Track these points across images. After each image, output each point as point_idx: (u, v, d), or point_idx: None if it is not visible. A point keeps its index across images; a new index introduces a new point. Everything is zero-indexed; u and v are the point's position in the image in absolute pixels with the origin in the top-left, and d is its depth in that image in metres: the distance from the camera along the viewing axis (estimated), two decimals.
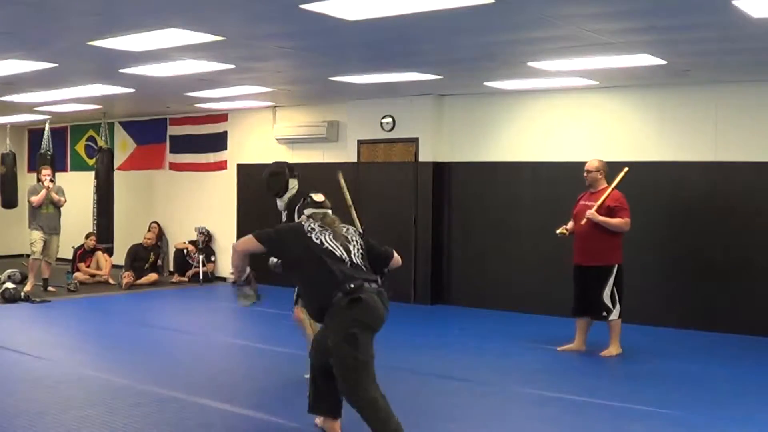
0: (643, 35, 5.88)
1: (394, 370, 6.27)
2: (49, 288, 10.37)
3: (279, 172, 5.95)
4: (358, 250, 4.36)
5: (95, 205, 11.86)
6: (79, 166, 14.01)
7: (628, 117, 8.57)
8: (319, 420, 4.61)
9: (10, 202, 12.76)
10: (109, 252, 11.76)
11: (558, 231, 6.96)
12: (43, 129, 12.14)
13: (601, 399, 5.41)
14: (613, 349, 6.78)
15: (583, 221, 6.73)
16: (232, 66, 7.45)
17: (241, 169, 11.69)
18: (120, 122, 13.33)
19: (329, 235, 4.33)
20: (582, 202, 6.91)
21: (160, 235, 12.40)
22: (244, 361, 6.75)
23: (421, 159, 9.80)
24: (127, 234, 12.14)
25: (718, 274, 7.98)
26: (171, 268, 12.32)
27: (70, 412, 4.93)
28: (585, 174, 6.93)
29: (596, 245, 6.70)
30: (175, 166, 12.69)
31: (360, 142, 10.33)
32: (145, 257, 11.58)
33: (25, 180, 13.37)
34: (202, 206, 12.23)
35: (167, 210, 12.74)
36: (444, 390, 5.70)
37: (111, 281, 11.35)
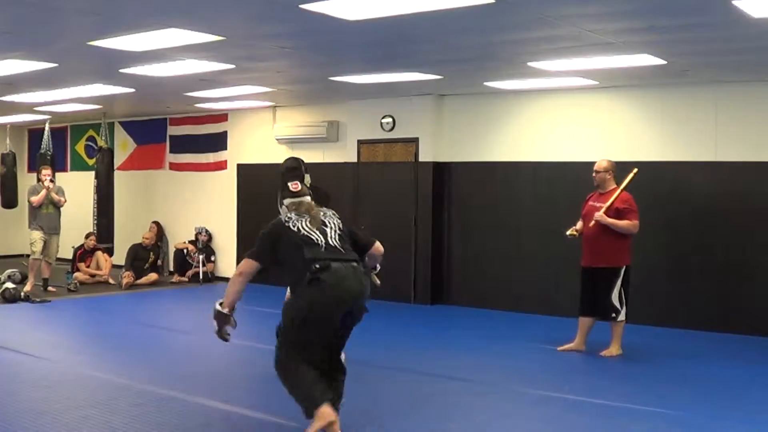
0: (643, 35, 5.88)
1: (394, 370, 6.28)
2: (49, 288, 10.37)
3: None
4: (335, 232, 4.45)
5: (95, 205, 11.86)
6: (79, 166, 14.02)
7: (628, 117, 8.57)
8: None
9: (10, 202, 12.75)
10: (109, 252, 11.76)
11: (568, 233, 6.90)
12: (43, 129, 12.13)
13: (601, 399, 5.41)
14: (614, 350, 6.78)
15: (591, 224, 6.72)
16: (232, 66, 7.46)
17: (241, 169, 11.69)
18: (120, 122, 13.33)
19: (306, 221, 4.43)
20: (591, 203, 6.88)
21: (160, 235, 12.40)
22: (244, 360, 6.75)
23: (421, 159, 9.80)
24: (127, 234, 12.14)
25: (717, 274, 7.99)
26: (171, 268, 12.32)
27: (70, 412, 4.92)
28: (594, 174, 6.90)
29: (604, 247, 6.68)
30: (175, 166, 12.69)
31: (360, 142, 10.33)
32: (145, 257, 11.58)
33: (25, 180, 13.36)
34: (202, 206, 12.24)
35: (167, 210, 12.74)
36: (444, 390, 5.70)
37: (111, 281, 11.35)
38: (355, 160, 10.37)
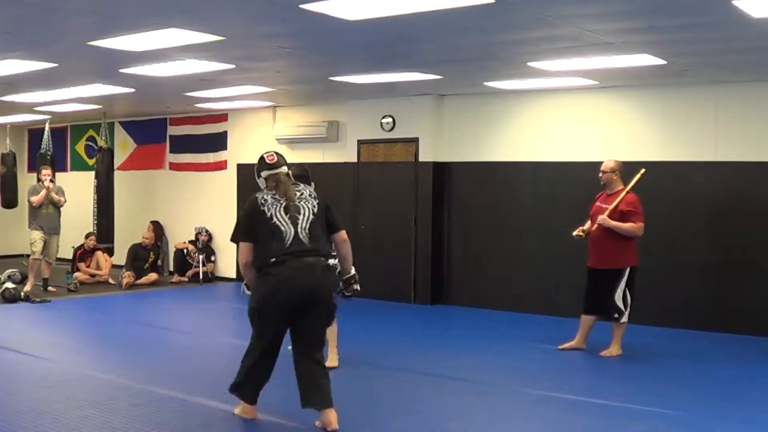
0: (643, 35, 5.88)
1: (394, 370, 6.28)
2: (49, 288, 10.37)
3: (305, 175, 6.34)
4: (307, 220, 4.52)
5: (95, 205, 11.86)
6: (79, 166, 14.02)
7: (628, 117, 8.57)
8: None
9: (10, 202, 12.75)
10: (109, 252, 11.76)
11: (574, 233, 6.88)
12: (43, 129, 12.13)
13: (601, 399, 5.41)
14: (614, 350, 6.78)
15: (594, 227, 6.73)
16: (232, 66, 7.45)
17: (241, 169, 11.69)
18: (120, 122, 13.33)
19: (280, 209, 4.51)
20: (598, 204, 6.86)
21: (160, 235, 12.40)
22: None
23: (421, 159, 9.80)
24: (127, 234, 12.14)
25: (717, 275, 7.99)
26: (171, 268, 12.32)
27: (70, 412, 4.92)
28: (600, 174, 6.88)
29: (608, 248, 6.68)
30: (175, 166, 12.69)
31: (360, 142, 10.33)
32: (145, 257, 11.58)
33: (25, 180, 13.36)
34: (202, 206, 12.24)
35: (167, 210, 12.74)
36: (444, 390, 5.70)
37: (111, 281, 11.35)
38: (355, 160, 10.37)
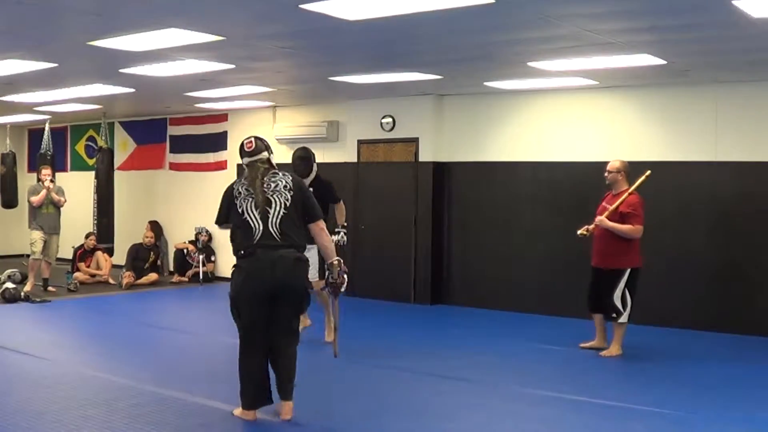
0: (643, 35, 5.88)
1: (394, 370, 6.28)
2: (49, 288, 10.37)
3: (307, 157, 6.81)
4: (278, 215, 4.59)
5: (95, 205, 11.85)
6: (79, 166, 14.02)
7: (628, 117, 8.57)
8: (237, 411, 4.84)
9: (10, 202, 12.75)
10: (109, 252, 11.75)
11: (579, 232, 6.90)
12: (43, 129, 12.13)
13: (601, 399, 5.41)
14: (614, 350, 6.77)
15: (592, 226, 6.74)
16: (232, 66, 7.46)
17: (241, 169, 11.67)
18: (120, 122, 13.33)
19: (251, 204, 4.59)
20: (603, 204, 6.86)
21: (159, 235, 12.39)
22: None
23: (421, 159, 9.80)
24: (127, 234, 12.14)
25: (717, 275, 7.99)
26: (171, 268, 12.32)
27: (70, 412, 4.92)
28: (606, 174, 6.88)
29: (609, 248, 6.69)
30: (175, 166, 12.69)
31: (360, 142, 10.33)
32: (145, 257, 11.58)
33: (25, 180, 13.36)
34: (202, 206, 12.22)
35: (167, 210, 12.74)
36: (444, 390, 5.70)
37: (111, 281, 11.35)
38: (355, 160, 10.37)
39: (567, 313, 8.59)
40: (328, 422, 4.80)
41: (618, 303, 6.66)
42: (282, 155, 10.88)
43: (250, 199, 4.62)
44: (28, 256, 10.66)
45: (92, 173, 12.08)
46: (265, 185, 4.65)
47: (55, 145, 12.29)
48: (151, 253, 11.69)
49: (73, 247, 11.98)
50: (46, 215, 10.31)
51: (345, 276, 4.86)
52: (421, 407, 5.25)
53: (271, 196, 4.63)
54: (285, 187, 4.68)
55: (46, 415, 4.84)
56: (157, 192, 12.99)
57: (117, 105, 11.37)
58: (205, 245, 11.80)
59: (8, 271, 10.67)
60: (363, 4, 5.03)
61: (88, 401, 5.21)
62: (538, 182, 9.11)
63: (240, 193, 4.68)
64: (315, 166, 6.90)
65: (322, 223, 4.82)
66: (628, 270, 6.66)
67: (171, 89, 9.35)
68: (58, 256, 10.80)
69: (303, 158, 6.92)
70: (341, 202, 7.37)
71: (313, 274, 7.01)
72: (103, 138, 12.12)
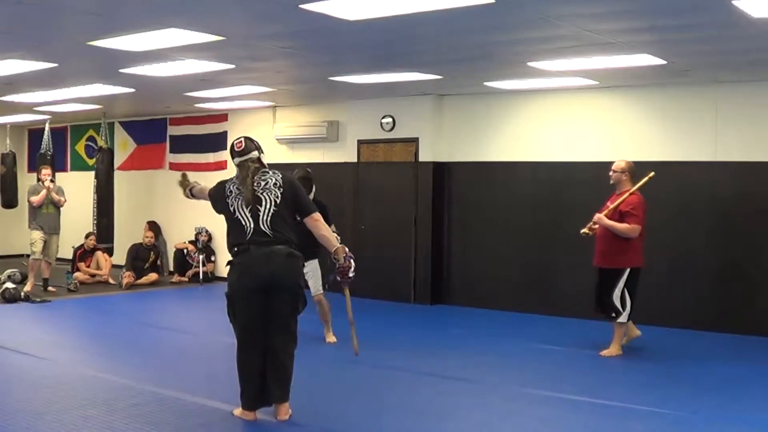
0: (643, 35, 5.88)
1: (394, 370, 6.28)
2: (49, 288, 10.37)
3: (308, 178, 6.94)
4: (268, 213, 4.64)
5: (95, 205, 11.85)
6: (79, 166, 14.02)
7: (628, 117, 8.57)
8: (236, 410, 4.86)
9: (10, 202, 12.74)
10: (109, 252, 11.75)
11: (582, 231, 6.90)
12: (43, 129, 12.13)
13: (601, 399, 5.41)
14: (614, 350, 6.77)
15: (590, 224, 6.75)
16: (232, 66, 7.46)
17: None
18: (120, 122, 13.33)
19: (242, 203, 4.65)
20: (607, 204, 6.87)
21: (157, 235, 12.39)
22: None
23: (421, 159, 9.80)
24: (127, 234, 12.14)
25: (717, 274, 7.99)
26: (171, 268, 12.32)
27: (70, 412, 4.92)
28: (610, 173, 6.88)
29: (608, 247, 6.69)
30: (175, 166, 12.67)
31: (360, 142, 10.33)
32: (146, 257, 11.58)
33: (25, 180, 13.36)
34: (202, 206, 12.17)
35: (167, 210, 12.73)
36: (444, 390, 5.70)
37: (111, 281, 11.35)
38: (355, 160, 10.37)
39: (567, 313, 8.60)
40: (328, 422, 4.80)
41: (617, 302, 6.65)
42: (282, 155, 10.92)
43: (241, 198, 4.66)
44: (28, 256, 10.66)
45: (92, 173, 12.07)
46: (255, 183, 4.69)
47: (55, 145, 12.29)
48: (151, 253, 11.69)
49: (73, 247, 11.98)
50: (46, 215, 10.31)
51: (352, 261, 4.84)
52: (421, 407, 5.25)
53: (261, 193, 4.67)
54: (275, 184, 4.72)
55: (46, 415, 4.84)
56: (157, 192, 12.99)
57: (117, 105, 11.37)
58: (205, 245, 11.80)
59: (8, 271, 10.67)
60: (363, 4, 5.03)
61: (88, 401, 5.21)
62: (538, 182, 9.11)
63: (231, 191, 4.73)
64: (314, 187, 6.98)
65: (316, 215, 4.81)
66: (628, 270, 6.66)
67: (171, 89, 9.35)
68: (58, 256, 10.80)
69: (305, 179, 6.88)
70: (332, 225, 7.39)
71: (316, 287, 7.04)
72: (103, 138, 12.11)
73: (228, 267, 4.78)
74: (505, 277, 9.32)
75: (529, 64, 7.14)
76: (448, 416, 5.02)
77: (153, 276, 11.47)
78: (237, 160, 4.84)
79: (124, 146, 13.36)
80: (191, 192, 5.50)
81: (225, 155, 12.00)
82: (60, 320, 8.76)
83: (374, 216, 10.14)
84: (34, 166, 12.69)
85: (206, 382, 5.78)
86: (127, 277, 11.06)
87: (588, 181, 8.42)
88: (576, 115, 8.89)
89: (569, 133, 8.92)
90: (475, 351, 7.12)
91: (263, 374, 4.72)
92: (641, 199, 6.71)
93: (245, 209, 4.64)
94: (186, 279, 11.79)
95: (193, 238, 11.93)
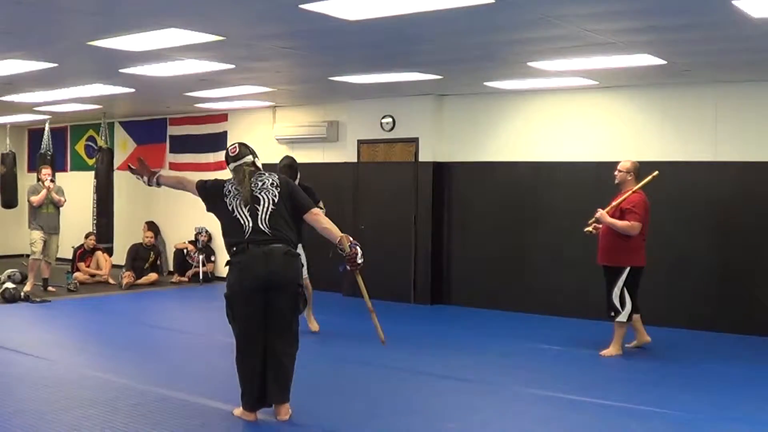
0: (643, 35, 5.88)
1: (394, 370, 6.28)
2: (49, 288, 10.37)
3: (293, 165, 7.26)
4: (266, 212, 4.67)
5: (95, 205, 11.86)
6: (79, 166, 14.02)
7: (628, 117, 8.57)
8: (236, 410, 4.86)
9: (10, 202, 12.75)
10: (109, 252, 11.76)
11: (585, 229, 6.91)
12: (43, 129, 12.13)
13: (601, 399, 5.40)
14: (614, 350, 6.77)
15: (592, 222, 6.76)
16: (232, 66, 7.46)
17: None
18: (120, 122, 13.33)
19: (241, 203, 4.69)
20: (612, 203, 6.88)
21: (155, 235, 12.38)
22: None
23: (421, 159, 9.80)
24: (127, 234, 12.14)
25: (717, 274, 7.99)
26: (171, 268, 12.32)
27: (70, 412, 4.92)
28: (615, 173, 6.89)
29: (609, 246, 6.71)
30: (175, 166, 12.68)
31: (360, 142, 10.33)
32: (146, 257, 11.58)
33: (25, 180, 13.36)
34: (202, 206, 12.19)
35: (167, 210, 12.73)
36: (444, 390, 5.70)
37: (111, 281, 11.35)
38: (355, 160, 10.37)
39: (567, 313, 8.60)
40: (328, 422, 4.80)
41: (616, 301, 6.65)
42: (282, 155, 10.87)
43: (239, 198, 4.71)
44: (28, 256, 10.66)
45: (92, 173, 12.08)
46: (252, 184, 4.74)
47: (55, 145, 12.29)
48: (151, 253, 11.69)
49: (73, 247, 11.98)
50: (46, 215, 10.31)
51: (358, 248, 4.80)
52: (421, 407, 5.25)
53: (259, 193, 4.71)
54: (272, 184, 4.77)
55: (47, 415, 4.83)
56: (157, 192, 12.95)
57: (117, 105, 11.38)
58: (204, 245, 11.80)
59: (8, 271, 10.67)
60: (363, 4, 5.03)
61: (88, 401, 5.21)
62: (537, 182, 9.11)
63: (230, 191, 4.78)
64: (298, 173, 7.23)
65: (315, 209, 4.86)
66: (628, 268, 6.65)
67: (171, 89, 9.35)
68: (58, 256, 10.80)
69: (289, 166, 7.30)
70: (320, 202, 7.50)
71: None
72: (103, 138, 12.12)
73: (227, 267, 4.78)
74: (505, 277, 9.32)
75: (529, 64, 7.14)
76: (448, 416, 5.02)
77: (153, 276, 11.47)
78: (232, 165, 4.88)
79: (124, 146, 13.36)
80: (157, 181, 5.34)
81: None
82: (60, 320, 8.75)
83: (374, 216, 10.14)
84: (34, 166, 12.69)
85: (206, 382, 5.78)
86: (127, 277, 11.06)
87: (588, 180, 8.43)
88: (576, 115, 8.89)
89: (569, 133, 8.92)
90: (475, 351, 7.12)
91: (263, 375, 4.72)
92: (643, 197, 6.70)
93: (244, 209, 4.67)
94: (186, 279, 11.79)
95: (192, 238, 11.93)
